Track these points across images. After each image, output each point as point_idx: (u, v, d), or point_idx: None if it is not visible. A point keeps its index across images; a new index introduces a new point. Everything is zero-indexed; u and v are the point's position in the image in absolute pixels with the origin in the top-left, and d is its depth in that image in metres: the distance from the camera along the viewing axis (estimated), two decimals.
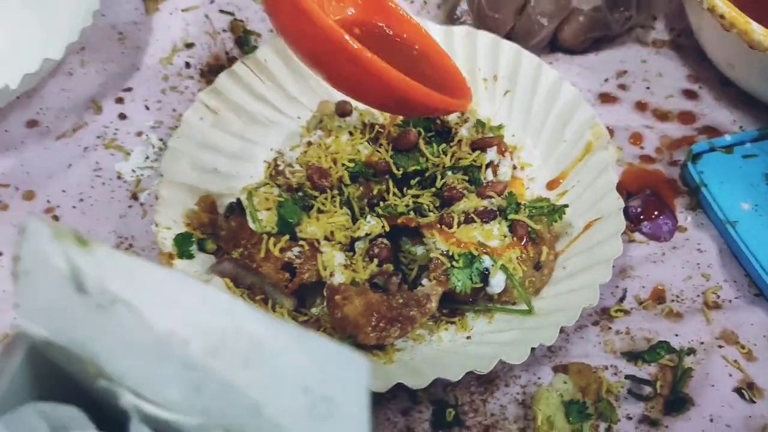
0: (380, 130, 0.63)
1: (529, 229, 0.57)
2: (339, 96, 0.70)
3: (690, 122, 0.73)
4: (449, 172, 0.61)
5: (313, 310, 0.58)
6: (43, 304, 0.28)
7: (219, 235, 0.60)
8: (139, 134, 0.71)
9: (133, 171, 0.69)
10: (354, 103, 0.67)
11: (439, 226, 0.56)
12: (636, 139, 0.72)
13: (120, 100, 0.73)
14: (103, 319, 0.27)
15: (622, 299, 0.61)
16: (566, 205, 0.59)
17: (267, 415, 0.25)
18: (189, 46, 0.78)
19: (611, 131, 0.71)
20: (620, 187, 0.66)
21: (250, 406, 0.25)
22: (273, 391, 0.25)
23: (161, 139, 0.71)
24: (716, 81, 0.76)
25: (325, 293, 0.56)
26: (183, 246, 0.58)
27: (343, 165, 0.61)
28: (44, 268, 0.27)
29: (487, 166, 0.63)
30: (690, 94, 0.75)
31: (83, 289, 0.27)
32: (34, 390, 0.29)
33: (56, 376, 0.29)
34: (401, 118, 0.66)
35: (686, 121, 0.73)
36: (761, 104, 0.72)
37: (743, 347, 0.58)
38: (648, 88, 0.76)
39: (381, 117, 0.66)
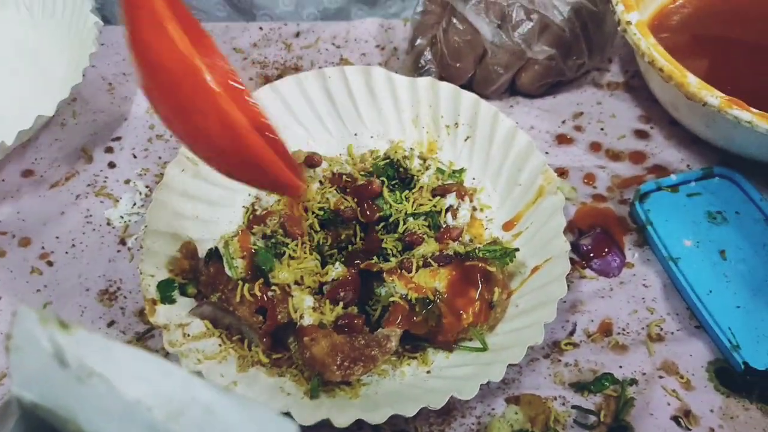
0: (347, 180, 0.68)
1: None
2: (312, 143, 0.76)
3: (641, 161, 0.79)
4: (411, 218, 0.67)
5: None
6: (31, 374, 0.34)
7: (199, 280, 0.65)
8: (127, 182, 0.77)
9: (121, 217, 0.74)
10: (326, 152, 0.72)
11: (399, 270, 0.62)
12: (589, 179, 0.77)
13: (109, 150, 0.79)
14: (81, 388, 0.32)
15: (572, 333, 0.66)
16: (516, 249, 0.65)
17: None
18: None
19: (566, 171, 0.77)
20: (573, 225, 0.72)
21: None
22: None
23: (147, 186, 0.76)
24: (666, 121, 0.81)
25: (295, 334, 0.61)
26: (165, 292, 0.64)
27: (314, 213, 0.66)
28: (32, 346, 0.32)
29: (447, 210, 0.68)
30: (641, 134, 0.81)
31: (65, 363, 0.32)
32: None
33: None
34: (369, 167, 0.72)
35: (637, 160, 0.79)
36: (706, 143, 0.78)
37: (682, 377, 0.63)
38: (602, 129, 0.81)
39: (348, 167, 0.71)
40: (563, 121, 0.82)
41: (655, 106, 0.81)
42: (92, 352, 0.32)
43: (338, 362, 0.59)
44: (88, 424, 0.33)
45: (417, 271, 0.62)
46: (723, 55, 0.81)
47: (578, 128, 0.81)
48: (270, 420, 0.29)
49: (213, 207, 0.71)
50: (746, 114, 0.66)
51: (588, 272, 0.70)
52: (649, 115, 0.82)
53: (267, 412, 0.30)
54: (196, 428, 0.31)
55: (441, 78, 0.78)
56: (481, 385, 0.57)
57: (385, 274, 0.62)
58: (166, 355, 0.65)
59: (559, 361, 0.65)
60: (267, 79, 0.83)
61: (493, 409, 0.62)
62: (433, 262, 0.62)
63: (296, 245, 0.64)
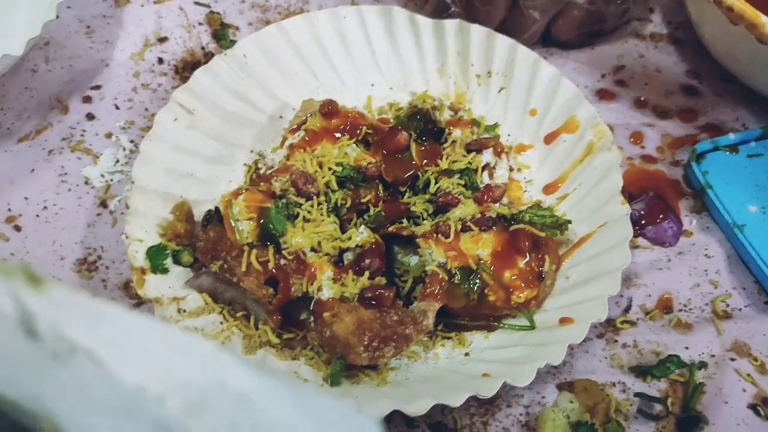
0: (369, 131, 0.59)
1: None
2: (324, 94, 0.66)
3: (691, 120, 0.70)
4: (444, 176, 0.57)
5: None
6: None
7: (196, 247, 0.55)
8: (109, 136, 0.66)
9: (102, 176, 0.64)
10: (340, 101, 0.62)
11: (435, 235, 0.52)
12: (636, 138, 0.68)
13: (87, 99, 0.68)
14: (60, 370, 0.23)
15: (627, 309, 0.58)
16: (569, 221, 0.56)
17: None
18: (162, 40, 0.72)
19: (611, 129, 0.68)
20: (621, 190, 0.63)
21: None
22: None
23: (132, 141, 0.66)
24: (717, 77, 0.72)
25: (312, 309, 0.52)
26: (156, 259, 0.54)
27: (330, 169, 0.56)
28: None
29: (483, 168, 0.59)
30: (690, 90, 0.72)
31: (35, 335, 0.23)
32: None
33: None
34: (392, 119, 0.62)
35: (687, 118, 0.70)
36: (765, 100, 0.69)
37: (756, 359, 0.55)
38: (647, 84, 0.72)
39: (369, 117, 0.61)
40: (603, 75, 0.73)
41: (705, 60, 0.73)
42: (76, 319, 0.22)
43: (366, 342, 0.49)
44: (69, 422, 0.23)
45: (456, 236, 0.52)
46: None
47: (620, 83, 0.72)
48: (339, 416, 0.20)
49: (210, 164, 0.61)
50: None
51: (641, 241, 0.62)
52: (698, 70, 0.73)
53: (336, 406, 0.20)
54: (227, 426, 0.21)
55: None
56: None
57: (419, 239, 0.52)
58: None
59: (616, 341, 0.56)
60: (268, 24, 0.73)
61: (543, 397, 0.53)
62: (473, 226, 0.53)
63: (311, 205, 0.54)
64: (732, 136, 0.66)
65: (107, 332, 0.22)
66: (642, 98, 0.71)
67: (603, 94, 0.71)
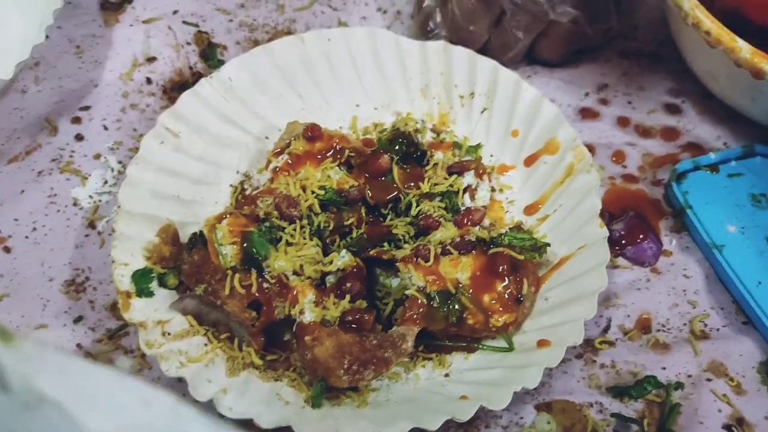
0: (351, 154, 0.60)
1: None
2: (309, 114, 0.67)
3: (673, 139, 0.71)
4: (425, 199, 0.58)
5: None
6: None
7: (181, 270, 0.56)
8: (98, 157, 0.67)
9: (91, 197, 0.65)
10: (325, 122, 0.63)
11: (414, 259, 0.53)
12: (618, 157, 0.69)
13: (77, 120, 0.69)
14: (30, 420, 0.24)
15: (606, 330, 0.59)
16: (548, 244, 0.57)
17: None
18: (151, 60, 0.73)
19: (593, 149, 0.69)
20: (602, 209, 0.63)
21: None
22: None
23: (120, 162, 0.67)
24: (699, 94, 0.73)
25: (294, 332, 0.53)
26: (142, 283, 0.54)
27: (313, 192, 0.57)
28: None
29: (465, 190, 0.60)
30: (673, 109, 0.73)
31: (6, 387, 0.24)
32: None
33: None
34: (375, 140, 0.63)
35: (669, 137, 0.71)
36: (746, 119, 0.70)
37: (732, 380, 0.56)
38: (630, 102, 0.73)
39: (353, 140, 0.62)
40: (586, 94, 0.73)
41: (687, 78, 0.74)
42: (45, 371, 0.23)
43: (345, 366, 0.50)
44: None
45: (435, 259, 0.53)
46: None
47: (603, 101, 0.73)
48: None
49: (196, 185, 0.62)
50: None
51: (621, 261, 0.62)
52: (681, 88, 0.74)
53: None
54: None
55: (452, 43, 0.69)
56: None
57: (399, 263, 0.53)
58: (143, 356, 0.56)
59: (594, 361, 0.57)
60: (256, 44, 0.74)
61: (521, 418, 0.54)
62: (452, 250, 0.54)
63: (294, 229, 0.55)
64: (713, 156, 0.67)
65: (73, 384, 0.23)
66: (624, 117, 0.72)
67: (586, 113, 0.72)
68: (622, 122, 0.72)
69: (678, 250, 0.63)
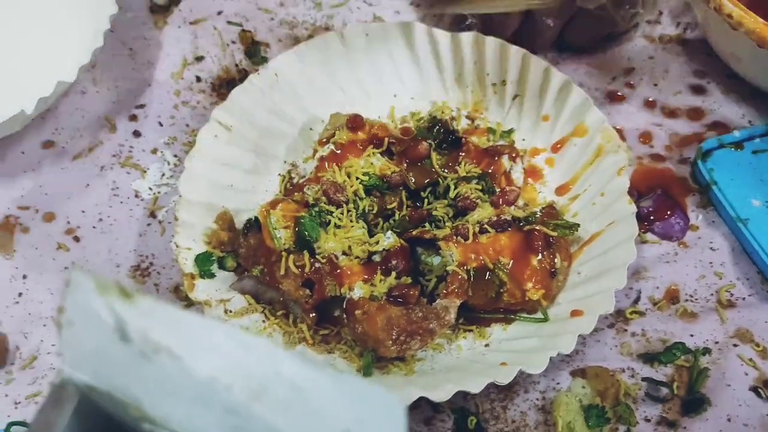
0: (392, 142, 0.64)
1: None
2: (350, 106, 0.71)
3: (699, 118, 0.74)
4: (462, 182, 0.62)
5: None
6: (86, 352, 0.29)
7: (239, 253, 0.61)
8: (154, 151, 0.72)
9: (150, 189, 0.70)
10: (365, 113, 0.67)
11: (454, 237, 0.57)
12: (645, 137, 0.72)
13: (133, 118, 0.74)
14: (146, 366, 0.28)
15: (636, 301, 0.62)
16: (578, 225, 0.61)
17: None
18: (199, 59, 0.78)
19: (620, 131, 0.72)
20: (630, 188, 0.67)
21: None
22: None
23: (176, 155, 0.72)
24: (723, 75, 0.76)
25: (344, 308, 0.57)
26: (204, 266, 0.59)
27: (357, 179, 0.62)
28: (88, 319, 0.28)
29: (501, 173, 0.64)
30: (698, 90, 0.76)
31: (127, 338, 0.28)
32: None
33: (103, 421, 0.30)
34: (413, 128, 0.67)
35: (695, 117, 0.74)
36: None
37: (758, 345, 0.59)
38: (656, 85, 0.76)
39: (392, 129, 0.67)
40: (614, 78, 0.77)
41: (712, 60, 0.76)
42: (158, 323, 0.28)
43: (394, 337, 0.54)
44: (153, 408, 0.29)
45: (474, 238, 0.57)
46: None
47: (630, 85, 0.76)
48: (374, 395, 0.25)
49: (248, 175, 0.67)
50: None
51: (650, 236, 0.66)
52: (705, 70, 0.77)
53: (368, 387, 0.26)
54: (282, 408, 0.27)
55: (483, 33, 0.73)
56: None
57: (440, 242, 0.57)
58: None
59: (625, 330, 0.60)
60: (297, 40, 0.78)
61: (558, 383, 0.58)
62: (490, 228, 0.58)
63: (341, 213, 0.60)
64: (737, 134, 0.70)
65: (184, 334, 0.28)
66: (651, 99, 0.75)
67: (613, 96, 0.75)
68: (649, 104, 0.75)
69: (704, 225, 0.66)
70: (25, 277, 0.65)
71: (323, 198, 0.61)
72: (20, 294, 0.64)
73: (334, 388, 0.26)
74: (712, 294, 0.62)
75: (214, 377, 0.27)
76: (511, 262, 0.57)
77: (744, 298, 0.62)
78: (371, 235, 0.60)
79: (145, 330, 0.28)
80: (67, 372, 0.30)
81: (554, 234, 0.58)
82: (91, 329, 0.29)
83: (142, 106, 0.75)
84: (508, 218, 0.59)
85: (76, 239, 0.67)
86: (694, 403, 0.56)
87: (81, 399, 0.29)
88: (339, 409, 0.26)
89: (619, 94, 0.76)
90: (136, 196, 0.69)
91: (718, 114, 0.74)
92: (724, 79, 0.76)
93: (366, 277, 0.57)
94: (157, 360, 0.28)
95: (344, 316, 0.58)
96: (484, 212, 0.60)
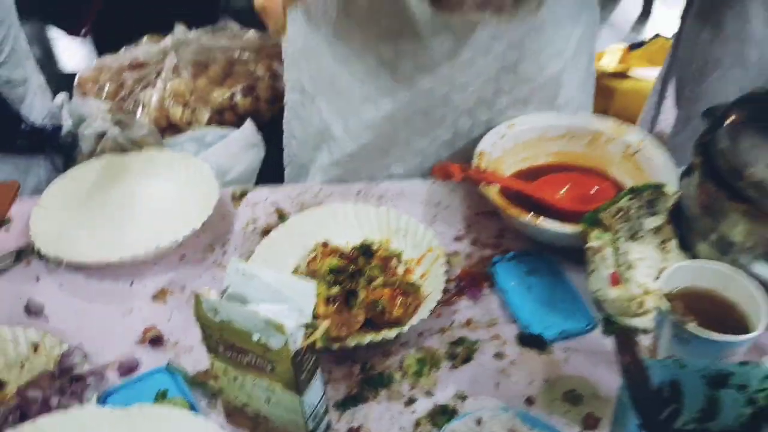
0: (342, 253, 1.41)
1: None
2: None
3: (498, 247, 1.50)
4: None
5: None
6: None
7: None
8: None
9: None
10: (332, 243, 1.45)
11: (368, 286, 1.32)
12: (453, 256, 1.49)
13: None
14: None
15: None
16: (420, 286, 1.36)
17: None
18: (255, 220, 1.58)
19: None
20: (454, 278, 1.42)
21: None
22: None
23: None
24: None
25: None
26: None
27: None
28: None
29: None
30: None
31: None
32: None
33: None
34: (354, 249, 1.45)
35: (495, 246, 1.50)
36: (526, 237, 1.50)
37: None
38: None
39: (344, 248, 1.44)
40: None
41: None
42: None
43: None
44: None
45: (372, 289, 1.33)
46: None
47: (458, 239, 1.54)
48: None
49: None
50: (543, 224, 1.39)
51: (464, 300, 1.40)
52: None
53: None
54: None
55: None
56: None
57: (360, 290, 1.32)
58: None
59: None
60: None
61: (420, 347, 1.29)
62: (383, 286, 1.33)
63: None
64: (510, 254, 1.46)
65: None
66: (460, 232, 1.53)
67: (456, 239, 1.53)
68: (458, 238, 1.52)
69: (491, 293, 1.41)
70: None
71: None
72: None
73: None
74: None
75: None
76: (389, 299, 1.31)
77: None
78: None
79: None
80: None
81: (411, 290, 1.33)
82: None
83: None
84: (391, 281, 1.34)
85: None
86: None
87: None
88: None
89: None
90: None
91: (506, 246, 1.51)
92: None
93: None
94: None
95: None
96: (380, 279, 1.35)
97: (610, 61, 2.72)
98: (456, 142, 1.57)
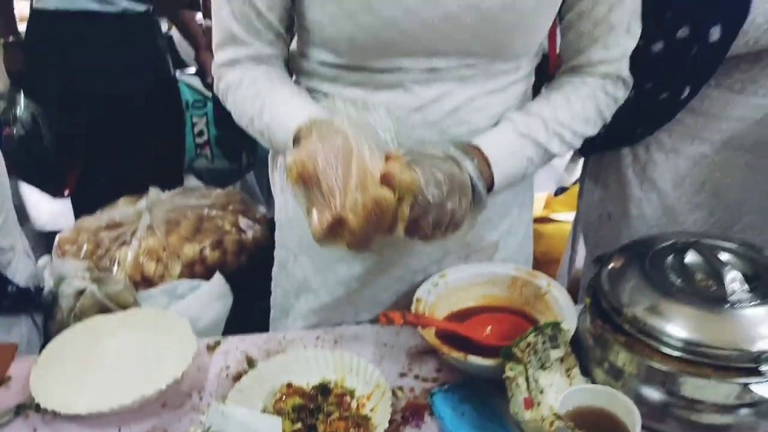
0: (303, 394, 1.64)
1: None
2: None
3: (437, 381, 1.75)
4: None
5: None
6: None
7: None
8: None
9: None
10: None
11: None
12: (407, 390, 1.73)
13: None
14: None
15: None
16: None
17: None
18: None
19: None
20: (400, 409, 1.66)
21: None
22: None
23: None
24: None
25: None
26: None
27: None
28: None
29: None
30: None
31: None
32: None
33: None
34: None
35: (435, 380, 1.76)
36: (460, 371, 1.76)
37: None
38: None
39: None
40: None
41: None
42: None
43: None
44: None
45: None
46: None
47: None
48: None
49: None
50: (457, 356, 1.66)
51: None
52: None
53: None
54: None
55: None
56: None
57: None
58: None
59: None
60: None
61: None
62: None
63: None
64: (446, 386, 1.71)
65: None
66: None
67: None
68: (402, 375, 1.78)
69: (431, 421, 1.65)
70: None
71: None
72: None
73: None
74: None
75: None
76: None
77: None
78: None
79: None
80: None
81: (363, 422, 1.56)
82: None
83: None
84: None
85: None
86: None
87: None
88: None
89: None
90: None
91: (443, 379, 1.76)
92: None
93: None
94: None
95: None
96: (336, 414, 1.58)
97: (535, 208, 3.11)
98: (411, 293, 1.88)
